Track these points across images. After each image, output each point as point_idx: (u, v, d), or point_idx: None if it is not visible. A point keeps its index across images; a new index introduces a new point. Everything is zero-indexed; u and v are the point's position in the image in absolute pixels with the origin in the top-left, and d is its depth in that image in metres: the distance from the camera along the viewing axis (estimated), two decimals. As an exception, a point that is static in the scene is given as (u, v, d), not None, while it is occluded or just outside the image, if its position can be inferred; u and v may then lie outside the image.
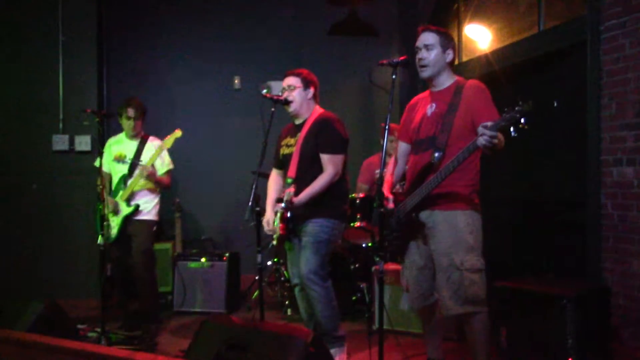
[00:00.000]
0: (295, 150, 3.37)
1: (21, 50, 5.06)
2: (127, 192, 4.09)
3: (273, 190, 3.57)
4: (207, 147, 5.61)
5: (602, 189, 3.50)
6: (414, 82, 5.58)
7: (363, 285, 4.29)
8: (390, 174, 3.08)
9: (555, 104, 4.26)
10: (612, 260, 3.43)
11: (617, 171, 3.40)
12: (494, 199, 4.42)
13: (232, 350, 2.15)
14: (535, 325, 3.10)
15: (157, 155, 4.02)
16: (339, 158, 3.32)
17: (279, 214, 3.36)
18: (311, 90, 3.43)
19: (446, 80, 2.88)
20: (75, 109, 4.84)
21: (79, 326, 3.85)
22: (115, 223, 4.08)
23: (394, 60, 2.70)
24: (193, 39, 5.73)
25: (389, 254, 3.02)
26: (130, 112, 4.11)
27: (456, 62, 5.32)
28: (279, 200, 3.35)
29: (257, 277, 3.40)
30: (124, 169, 4.16)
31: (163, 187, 4.21)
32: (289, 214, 3.27)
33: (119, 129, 4.43)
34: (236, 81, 5.81)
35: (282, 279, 4.74)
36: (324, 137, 3.30)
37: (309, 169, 3.31)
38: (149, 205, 4.16)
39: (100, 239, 3.84)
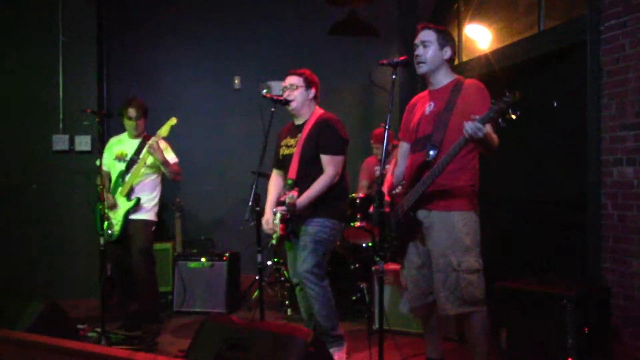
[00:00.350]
0: (295, 151, 3.38)
1: (21, 51, 5.06)
2: (127, 186, 4.09)
3: (273, 191, 3.58)
4: (207, 147, 5.61)
5: (602, 189, 3.50)
6: (414, 82, 5.58)
7: (363, 285, 4.29)
8: (390, 174, 3.08)
9: (555, 104, 4.27)
10: (612, 260, 3.43)
11: (617, 171, 3.40)
12: (494, 199, 4.42)
13: (232, 350, 2.15)
14: (535, 325, 3.10)
15: (165, 148, 4.09)
16: (339, 159, 3.34)
17: (279, 215, 3.36)
18: (312, 91, 3.45)
19: (444, 79, 2.88)
20: (75, 109, 4.84)
21: (79, 326, 3.85)
22: (117, 220, 4.08)
23: (394, 60, 2.70)
24: (193, 39, 5.73)
25: (389, 254, 3.02)
26: (132, 112, 4.11)
27: (456, 61, 5.33)
28: (280, 203, 3.33)
29: (257, 277, 3.40)
30: (121, 166, 4.17)
31: (173, 172, 4.15)
32: (289, 216, 3.27)
33: (119, 129, 4.43)
34: (236, 81, 5.81)
35: (282, 279, 4.74)
36: (324, 138, 3.31)
37: (309, 170, 3.32)
38: (149, 203, 4.15)
39: (100, 239, 3.83)
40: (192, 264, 4.72)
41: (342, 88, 5.83)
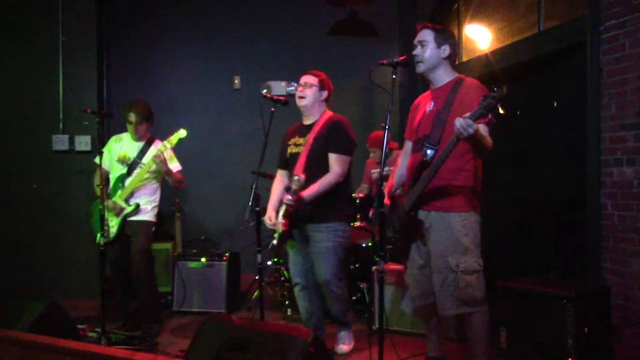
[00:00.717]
0: (304, 149, 3.42)
1: (21, 51, 5.05)
2: (127, 191, 4.08)
3: (277, 192, 3.60)
4: (207, 147, 5.61)
5: (602, 189, 3.50)
6: (414, 82, 5.58)
7: (363, 285, 4.29)
8: (392, 177, 3.10)
9: (555, 104, 4.27)
10: (612, 260, 3.43)
11: (617, 171, 3.40)
12: (494, 199, 4.41)
13: (232, 350, 2.16)
14: (535, 325, 3.10)
15: (170, 157, 4.09)
16: (346, 159, 3.38)
17: (282, 209, 3.37)
18: (325, 93, 3.53)
19: (444, 77, 2.89)
20: (75, 109, 4.83)
21: (79, 326, 3.85)
22: (114, 222, 4.08)
23: (394, 60, 2.71)
24: (193, 39, 5.73)
25: (392, 254, 3.02)
26: (132, 117, 4.06)
27: (456, 62, 5.33)
28: (287, 188, 3.31)
29: (257, 277, 3.40)
30: (123, 169, 4.15)
31: (175, 181, 4.16)
32: (293, 208, 3.27)
33: (118, 129, 4.43)
34: (236, 81, 5.81)
35: (282, 279, 4.74)
36: (334, 137, 3.37)
37: (316, 168, 3.34)
38: (148, 206, 4.15)
39: (99, 239, 3.83)
40: (192, 264, 4.72)
41: (342, 88, 5.82)
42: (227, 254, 4.74)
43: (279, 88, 5.73)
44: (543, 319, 3.05)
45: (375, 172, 4.84)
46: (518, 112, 4.60)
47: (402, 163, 3.08)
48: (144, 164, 4.11)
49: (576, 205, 3.84)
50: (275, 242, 3.53)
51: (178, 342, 3.83)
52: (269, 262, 4.95)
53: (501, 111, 2.33)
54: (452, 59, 2.91)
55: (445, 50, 2.84)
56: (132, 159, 4.15)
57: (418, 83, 5.49)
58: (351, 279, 4.38)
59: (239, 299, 4.92)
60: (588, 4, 3.62)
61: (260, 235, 3.28)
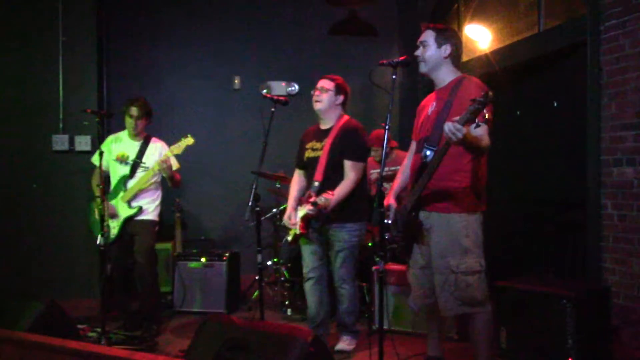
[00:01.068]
0: (322, 155, 3.50)
1: (21, 51, 5.05)
2: (130, 193, 4.08)
3: (295, 190, 3.73)
4: (207, 147, 5.60)
5: (602, 189, 3.50)
6: (414, 82, 5.58)
7: (363, 285, 4.29)
8: (396, 179, 3.11)
9: (555, 104, 4.27)
10: (612, 260, 3.42)
11: (617, 171, 3.40)
12: (494, 199, 4.41)
13: (232, 350, 2.15)
14: (535, 325, 3.10)
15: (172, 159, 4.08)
16: (360, 165, 3.50)
17: (301, 211, 3.45)
18: (341, 98, 3.61)
19: (447, 77, 2.89)
20: (75, 109, 4.83)
21: (79, 326, 3.85)
22: (115, 224, 4.08)
23: (394, 60, 2.72)
24: (193, 39, 5.73)
25: (396, 254, 3.02)
26: (134, 111, 4.09)
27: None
28: (313, 203, 3.31)
29: (257, 277, 3.41)
30: (124, 169, 4.14)
31: (175, 184, 4.17)
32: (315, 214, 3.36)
33: (118, 129, 4.42)
34: (236, 81, 5.80)
35: (282, 279, 4.74)
36: (349, 144, 3.47)
37: (335, 174, 3.46)
38: (151, 206, 4.15)
39: (100, 239, 3.83)
40: (192, 264, 4.72)
41: (342, 88, 5.83)
42: (227, 254, 4.74)
43: (279, 88, 5.73)
44: (543, 319, 3.05)
45: (374, 173, 4.84)
46: (518, 112, 4.60)
47: (407, 163, 3.08)
48: (144, 163, 4.11)
49: (576, 205, 3.84)
50: (289, 238, 3.61)
51: (178, 342, 3.83)
52: (269, 262, 4.95)
53: (487, 116, 2.32)
54: (455, 58, 2.90)
55: (447, 49, 2.84)
56: (131, 158, 4.14)
57: (418, 83, 5.50)
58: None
59: (239, 299, 4.93)
60: (588, 4, 3.62)
61: (260, 235, 3.29)
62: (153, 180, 4.12)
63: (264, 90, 5.57)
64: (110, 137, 4.32)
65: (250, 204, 3.18)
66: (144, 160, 4.13)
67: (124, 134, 4.26)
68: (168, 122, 5.53)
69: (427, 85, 3.04)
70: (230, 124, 5.75)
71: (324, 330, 3.64)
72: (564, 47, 3.98)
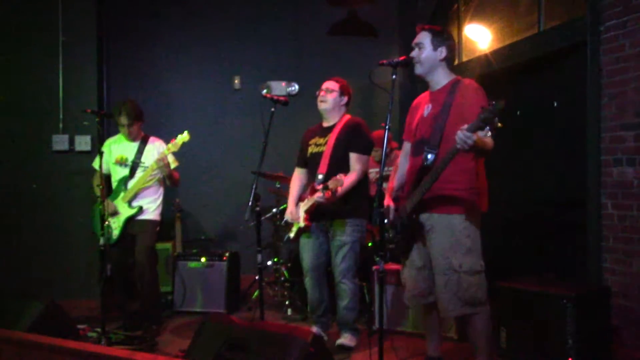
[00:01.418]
0: (326, 149, 3.59)
1: (21, 50, 5.05)
2: (130, 193, 4.07)
3: (296, 188, 3.79)
4: (207, 147, 5.61)
5: (602, 189, 3.50)
6: (414, 82, 5.58)
7: (363, 285, 4.29)
8: (392, 179, 3.11)
9: (555, 104, 4.27)
10: (612, 260, 3.43)
11: (617, 171, 3.40)
12: (494, 199, 4.41)
13: (232, 350, 2.16)
14: (535, 325, 3.10)
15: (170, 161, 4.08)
16: (366, 158, 3.60)
17: (305, 205, 3.52)
18: (345, 98, 3.73)
19: (442, 79, 2.89)
20: (75, 109, 4.83)
21: (79, 326, 3.85)
22: (116, 225, 4.07)
23: (394, 60, 2.72)
24: (193, 39, 5.73)
25: (392, 255, 3.02)
26: (123, 120, 4.04)
27: (456, 61, 5.33)
28: (325, 187, 3.35)
29: (257, 277, 3.41)
30: (124, 171, 4.14)
31: (174, 182, 4.17)
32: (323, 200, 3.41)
33: (118, 129, 4.43)
34: (236, 81, 5.80)
35: (282, 279, 4.74)
36: (355, 138, 3.58)
37: (339, 167, 3.50)
38: (152, 206, 4.15)
39: (101, 240, 3.83)
40: (192, 264, 4.72)
41: (342, 88, 5.83)
42: (227, 254, 4.74)
43: (279, 88, 5.73)
44: (543, 319, 3.05)
45: (372, 172, 4.84)
46: (518, 112, 4.60)
47: (401, 164, 3.08)
48: (143, 163, 4.11)
49: (576, 205, 3.84)
50: (292, 235, 3.62)
51: (178, 342, 3.83)
52: (269, 262, 4.95)
53: (499, 125, 2.33)
54: (450, 61, 2.91)
55: (442, 52, 2.85)
56: (130, 160, 4.14)
57: (418, 83, 5.49)
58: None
59: (239, 299, 4.92)
60: (588, 4, 3.62)
61: (260, 235, 3.29)
62: (153, 179, 4.11)
63: (264, 90, 5.57)
64: (109, 140, 4.31)
65: (250, 204, 3.18)
66: (142, 160, 4.13)
67: (121, 137, 4.24)
68: (168, 122, 5.53)
69: (426, 85, 3.03)
70: (230, 124, 5.75)
71: (325, 322, 3.76)
72: (564, 47, 3.98)
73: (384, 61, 2.74)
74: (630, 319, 3.26)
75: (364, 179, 3.62)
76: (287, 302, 4.57)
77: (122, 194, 4.11)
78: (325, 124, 3.73)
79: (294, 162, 3.90)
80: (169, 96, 5.69)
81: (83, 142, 5.07)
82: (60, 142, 5.05)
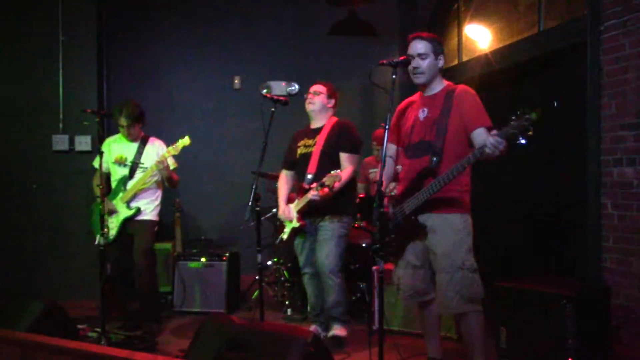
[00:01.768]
0: (315, 149, 3.67)
1: (21, 50, 5.05)
2: (129, 194, 4.07)
3: (284, 189, 3.88)
4: (207, 147, 5.61)
5: (602, 189, 3.50)
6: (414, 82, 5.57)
7: (363, 285, 4.29)
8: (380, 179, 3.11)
9: (555, 104, 4.27)
10: (612, 260, 3.43)
11: (617, 171, 3.40)
12: (494, 199, 4.42)
13: (232, 350, 2.15)
14: (535, 325, 3.10)
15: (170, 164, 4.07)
16: (356, 158, 3.71)
17: (297, 205, 3.58)
18: (332, 101, 3.82)
19: (437, 85, 2.95)
20: (75, 109, 4.83)
21: (79, 326, 3.85)
22: (114, 225, 4.08)
23: (394, 60, 2.73)
24: (193, 39, 5.73)
25: (387, 255, 3.03)
26: (123, 121, 4.04)
27: (456, 61, 5.33)
28: (322, 185, 3.38)
29: (257, 277, 3.41)
30: (124, 171, 4.14)
31: (173, 184, 4.17)
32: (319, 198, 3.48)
33: (118, 129, 4.43)
34: (236, 81, 5.81)
35: (282, 279, 4.74)
36: (345, 138, 3.67)
37: (328, 167, 3.52)
38: (150, 207, 4.15)
39: (99, 239, 3.83)
40: (192, 264, 4.72)
41: (342, 88, 5.78)
42: (227, 254, 4.74)
43: (279, 88, 5.73)
44: (543, 319, 3.05)
45: (372, 172, 4.84)
46: (518, 112, 4.59)
47: (388, 164, 3.07)
48: (143, 163, 4.11)
49: (576, 205, 3.84)
50: (285, 236, 3.65)
51: (178, 342, 3.83)
52: (269, 262, 4.95)
53: (530, 133, 2.37)
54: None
55: (441, 60, 2.92)
56: (130, 160, 4.14)
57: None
58: (351, 278, 4.38)
59: (239, 299, 4.92)
60: (588, 4, 3.62)
61: (260, 235, 3.29)
62: (152, 180, 4.11)
63: (264, 90, 5.57)
64: (109, 139, 4.31)
65: (250, 204, 3.19)
66: (142, 160, 4.13)
67: (121, 137, 4.24)
68: (168, 122, 5.53)
69: (417, 88, 3.04)
70: (230, 123, 5.75)
71: (324, 321, 3.79)
72: (564, 47, 3.98)
73: (384, 61, 2.75)
74: (630, 319, 3.26)
75: (353, 178, 3.71)
76: (287, 302, 4.57)
77: (120, 194, 4.11)
78: (313, 126, 3.82)
79: (282, 163, 3.98)
80: (169, 96, 5.69)
81: (83, 142, 5.07)
82: (60, 142, 5.05)
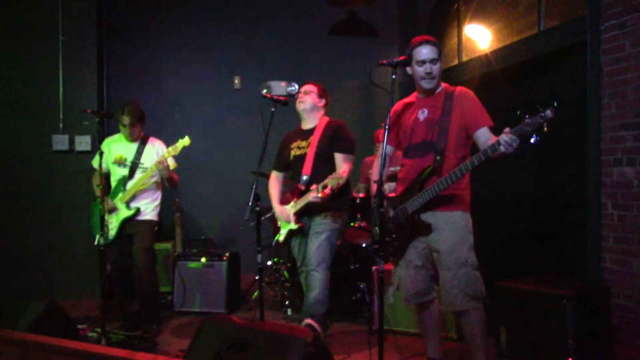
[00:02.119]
0: (309, 151, 3.63)
1: (21, 50, 5.05)
2: (129, 194, 4.07)
3: (276, 190, 3.85)
4: (207, 147, 5.61)
5: (602, 189, 3.50)
6: (414, 82, 5.57)
7: (363, 285, 4.29)
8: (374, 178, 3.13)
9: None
10: (612, 260, 3.43)
11: (617, 171, 3.40)
12: (494, 199, 4.42)
13: (232, 350, 2.16)
14: (535, 325, 3.10)
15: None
16: (351, 158, 3.65)
17: (294, 206, 3.55)
18: (324, 100, 3.79)
19: (438, 87, 2.97)
20: (75, 109, 4.83)
21: (79, 326, 3.85)
22: (113, 225, 4.08)
23: (394, 60, 2.75)
24: (193, 39, 5.73)
25: (387, 255, 3.03)
26: (126, 120, 4.04)
27: (456, 61, 5.33)
28: (323, 187, 3.34)
29: (257, 277, 3.41)
30: (123, 171, 4.14)
31: (173, 184, 4.18)
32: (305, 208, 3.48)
33: (118, 129, 4.43)
34: (236, 81, 5.81)
35: (282, 279, 4.74)
36: (339, 138, 3.63)
37: (322, 167, 3.53)
38: (150, 207, 4.15)
39: (98, 239, 3.83)
40: (192, 264, 4.72)
41: (342, 88, 5.83)
42: (227, 254, 4.73)
43: (279, 88, 5.73)
44: (543, 319, 3.05)
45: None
46: (518, 112, 4.59)
47: (381, 165, 3.06)
48: (143, 164, 4.11)
49: (576, 205, 3.84)
50: (281, 238, 3.63)
51: (178, 342, 3.83)
52: (269, 262, 4.95)
53: (545, 129, 2.38)
54: None
55: (441, 63, 2.94)
56: (130, 161, 4.14)
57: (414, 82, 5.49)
58: (351, 279, 4.38)
59: (239, 299, 4.93)
60: (588, 4, 3.62)
61: (260, 235, 3.29)
62: (152, 181, 4.11)
63: (264, 90, 5.57)
64: (108, 139, 4.31)
65: (250, 204, 3.18)
66: (142, 161, 4.13)
67: (121, 137, 4.24)
68: (168, 122, 5.54)
69: (415, 88, 3.05)
70: (230, 124, 5.75)
71: (304, 316, 3.69)
72: (564, 47, 3.98)
73: (384, 61, 2.76)
74: (630, 319, 3.26)
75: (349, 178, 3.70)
76: (287, 302, 4.57)
77: (120, 195, 4.11)
78: (305, 127, 3.78)
79: (272, 164, 3.95)
80: (169, 96, 5.70)
81: (83, 142, 5.07)
82: (60, 142, 5.05)
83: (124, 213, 4.08)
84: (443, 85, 2.98)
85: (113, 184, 4.18)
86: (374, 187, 2.83)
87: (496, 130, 2.69)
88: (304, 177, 3.59)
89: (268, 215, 4.84)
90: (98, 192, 3.94)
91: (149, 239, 4.10)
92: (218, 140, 5.72)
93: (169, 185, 4.15)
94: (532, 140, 2.41)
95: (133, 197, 4.10)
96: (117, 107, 4.12)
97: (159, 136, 4.32)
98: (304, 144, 3.70)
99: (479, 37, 5.17)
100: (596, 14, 3.53)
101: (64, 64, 5.07)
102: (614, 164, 3.42)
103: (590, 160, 3.59)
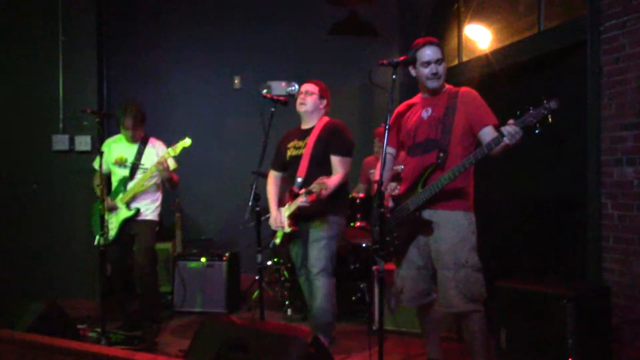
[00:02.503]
0: (305, 152, 3.52)
1: (21, 51, 5.06)
2: (129, 195, 4.07)
3: (274, 192, 3.73)
4: (207, 147, 5.61)
5: (602, 189, 3.50)
6: (414, 82, 5.57)
7: (363, 285, 4.29)
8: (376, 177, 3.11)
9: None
10: (612, 260, 3.42)
11: (617, 171, 3.40)
12: (494, 199, 4.41)
13: (232, 350, 2.16)
14: (535, 325, 3.10)
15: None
16: (348, 161, 3.53)
17: (287, 210, 3.45)
18: (324, 101, 3.67)
19: (442, 87, 2.98)
20: (75, 109, 4.83)
21: (79, 326, 3.85)
22: (113, 225, 4.08)
23: (394, 60, 2.74)
24: (193, 39, 5.73)
25: (387, 255, 3.02)
26: (128, 123, 4.03)
27: (456, 61, 5.33)
28: (307, 192, 3.30)
29: (257, 277, 3.41)
30: (124, 171, 4.14)
31: (173, 185, 4.17)
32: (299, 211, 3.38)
33: (118, 129, 4.43)
34: (236, 81, 5.81)
35: (282, 279, 4.74)
36: (336, 140, 3.51)
37: (318, 169, 3.44)
38: (150, 207, 4.15)
39: (98, 239, 3.83)
40: (192, 264, 4.72)
41: (342, 88, 5.83)
42: (227, 254, 4.74)
43: (279, 88, 5.73)
44: (543, 319, 3.05)
45: (373, 172, 4.84)
46: (518, 112, 4.59)
47: (387, 165, 3.07)
48: (143, 164, 4.11)
49: (576, 205, 3.84)
50: (277, 240, 3.59)
51: (178, 342, 3.83)
52: (269, 262, 4.95)
53: (550, 120, 2.38)
54: None
55: (445, 63, 2.95)
56: (130, 161, 4.14)
57: (418, 83, 5.49)
58: (351, 279, 4.38)
59: (239, 299, 4.93)
60: (588, 4, 3.61)
61: (260, 235, 3.29)
62: (152, 182, 4.11)
63: (264, 90, 5.57)
64: (109, 140, 4.31)
65: (250, 204, 3.18)
66: (142, 161, 4.13)
67: (121, 138, 4.24)
68: (168, 122, 5.53)
69: (419, 89, 3.06)
70: (230, 124, 5.75)
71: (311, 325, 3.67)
72: (564, 47, 3.98)
73: (384, 61, 2.75)
74: (630, 319, 3.26)
75: (346, 180, 3.58)
76: (287, 302, 4.57)
77: (120, 195, 4.11)
78: (304, 127, 3.67)
79: (270, 164, 3.84)
80: (169, 96, 5.69)
81: (83, 142, 5.08)
82: (60, 142, 5.05)
83: (124, 213, 4.08)
84: (447, 86, 2.98)
85: (114, 184, 4.18)
86: (375, 188, 2.83)
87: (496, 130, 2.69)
88: (298, 179, 3.50)
89: (268, 216, 4.84)
90: (98, 192, 3.94)
91: (150, 239, 4.11)
92: (218, 140, 5.72)
93: (169, 186, 4.15)
94: (537, 131, 2.41)
95: (133, 198, 4.10)
96: (119, 108, 4.12)
97: (159, 136, 4.32)
98: (300, 144, 3.61)
99: (479, 37, 5.17)
100: (596, 14, 3.53)
101: (64, 64, 5.07)
102: (614, 164, 3.42)
103: (590, 160, 3.59)
